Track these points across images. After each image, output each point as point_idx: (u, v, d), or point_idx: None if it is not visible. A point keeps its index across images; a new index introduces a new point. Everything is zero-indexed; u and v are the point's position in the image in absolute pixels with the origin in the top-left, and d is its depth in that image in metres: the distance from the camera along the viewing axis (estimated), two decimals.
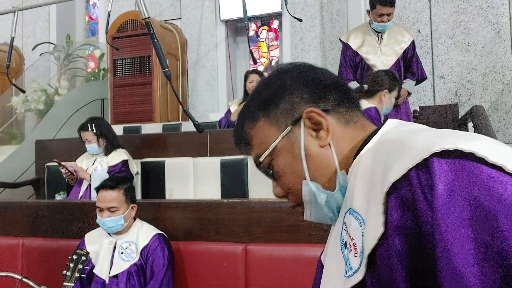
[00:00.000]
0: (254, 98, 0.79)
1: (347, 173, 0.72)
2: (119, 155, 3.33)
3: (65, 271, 1.93)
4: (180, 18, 5.85)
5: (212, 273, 2.17)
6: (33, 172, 4.31)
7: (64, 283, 1.89)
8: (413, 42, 3.83)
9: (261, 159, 0.75)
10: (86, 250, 2.05)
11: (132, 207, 2.17)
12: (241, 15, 4.50)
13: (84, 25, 6.93)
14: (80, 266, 1.93)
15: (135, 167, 3.45)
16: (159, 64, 2.64)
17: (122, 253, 2.12)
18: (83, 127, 3.31)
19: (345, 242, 0.67)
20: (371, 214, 0.60)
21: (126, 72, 5.26)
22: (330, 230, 0.80)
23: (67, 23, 6.71)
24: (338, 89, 0.77)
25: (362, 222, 0.62)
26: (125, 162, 3.33)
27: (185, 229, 2.31)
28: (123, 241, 2.15)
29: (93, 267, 2.13)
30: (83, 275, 1.97)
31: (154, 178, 3.62)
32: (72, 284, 1.90)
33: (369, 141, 0.71)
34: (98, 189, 2.16)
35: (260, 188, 3.33)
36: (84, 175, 3.29)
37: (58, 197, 3.69)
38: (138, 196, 3.54)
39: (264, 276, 2.09)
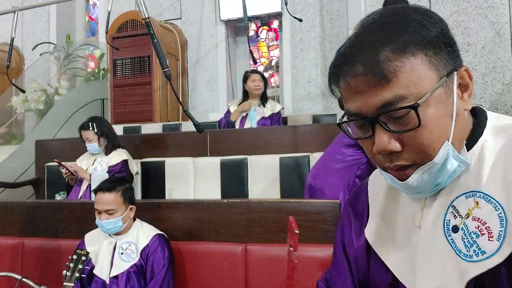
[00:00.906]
0: (414, 28, 0.66)
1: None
2: (119, 155, 3.33)
3: (65, 271, 1.93)
4: (180, 18, 5.85)
5: (212, 273, 2.17)
6: (33, 172, 4.30)
7: (64, 283, 1.89)
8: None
9: (421, 100, 0.64)
10: (86, 250, 2.05)
11: (130, 208, 2.17)
12: (241, 15, 4.50)
13: (84, 25, 6.92)
14: (80, 266, 1.93)
15: (135, 167, 3.45)
16: (159, 64, 2.64)
17: (122, 253, 2.12)
18: (84, 126, 3.31)
19: (455, 226, 0.67)
20: None
21: (126, 72, 5.26)
22: (379, 210, 0.81)
23: (67, 23, 6.71)
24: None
25: (499, 206, 0.64)
26: (125, 162, 3.33)
27: (185, 229, 2.31)
28: (123, 241, 2.15)
29: (93, 267, 2.13)
30: (83, 275, 1.97)
31: (154, 178, 3.62)
32: (72, 284, 1.89)
33: (482, 125, 0.72)
34: (95, 191, 2.16)
35: (260, 188, 3.33)
36: (84, 175, 3.29)
37: (58, 197, 3.69)
38: (138, 196, 3.54)
39: (264, 276, 2.08)
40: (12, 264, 2.50)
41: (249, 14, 4.57)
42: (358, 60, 0.66)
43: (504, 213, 0.63)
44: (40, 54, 6.33)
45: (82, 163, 3.41)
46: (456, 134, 0.68)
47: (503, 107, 4.49)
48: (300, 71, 5.31)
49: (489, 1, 4.53)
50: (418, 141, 0.66)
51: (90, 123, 3.29)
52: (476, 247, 0.64)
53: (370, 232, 0.82)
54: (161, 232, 2.20)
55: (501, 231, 0.63)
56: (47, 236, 2.56)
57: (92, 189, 3.13)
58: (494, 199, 0.64)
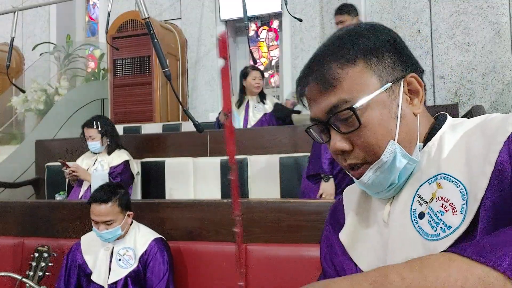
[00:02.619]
0: (355, 41, 0.75)
1: (422, 147, 0.75)
2: (120, 156, 3.33)
3: (27, 271, 1.84)
4: (180, 18, 5.85)
5: (212, 273, 2.17)
6: (33, 172, 4.31)
7: (27, 285, 1.80)
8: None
9: (358, 104, 0.70)
10: (47, 246, 1.95)
11: (128, 215, 2.11)
12: (241, 15, 4.50)
13: (84, 25, 6.93)
14: (42, 264, 1.85)
15: (136, 167, 3.45)
16: (159, 64, 2.64)
17: (119, 259, 2.08)
18: (88, 124, 3.30)
19: (421, 212, 0.70)
20: (476, 174, 0.66)
21: (126, 72, 5.26)
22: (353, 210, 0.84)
23: (67, 23, 6.71)
24: (419, 68, 0.78)
25: (459, 183, 0.67)
26: (126, 163, 3.33)
27: (185, 229, 2.31)
28: (120, 247, 2.10)
29: (90, 273, 2.09)
30: (46, 273, 1.88)
31: (154, 178, 3.62)
32: (35, 285, 1.82)
33: (440, 124, 0.77)
34: (89, 202, 2.08)
35: (260, 188, 3.33)
36: (86, 177, 3.27)
37: (58, 197, 3.69)
38: (138, 196, 3.54)
39: (264, 276, 2.09)
40: (12, 264, 2.50)
41: (249, 14, 4.56)
42: (310, 72, 0.76)
43: (464, 188, 0.67)
44: (40, 54, 6.33)
45: (83, 163, 3.41)
46: (403, 135, 0.73)
47: (503, 107, 4.49)
48: (299, 69, 5.31)
49: (489, 1, 4.53)
50: (364, 140, 0.72)
51: (94, 121, 3.29)
52: (443, 224, 0.67)
53: (344, 237, 0.85)
54: (159, 236, 2.16)
55: (463, 204, 0.66)
56: (47, 236, 2.56)
57: (92, 188, 3.14)
58: (455, 178, 0.68)
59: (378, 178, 0.73)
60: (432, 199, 0.70)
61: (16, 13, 3.86)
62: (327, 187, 2.60)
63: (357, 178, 0.76)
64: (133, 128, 4.89)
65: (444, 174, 0.70)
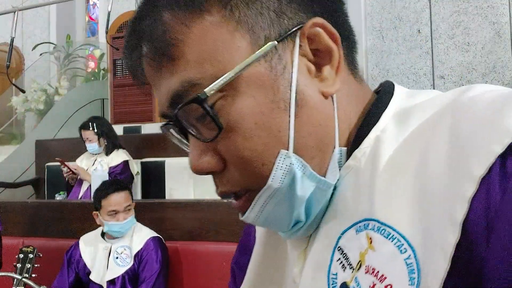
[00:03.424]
0: None
1: (347, 156, 0.43)
2: (119, 156, 3.33)
3: (12, 273, 1.77)
4: None
5: (212, 273, 2.17)
6: (33, 172, 4.31)
7: (32, 284, 1.75)
8: None
9: (210, 90, 0.38)
10: (32, 246, 1.89)
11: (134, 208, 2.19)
12: None
13: (84, 25, 6.93)
14: (28, 266, 1.80)
15: (135, 167, 3.45)
16: None
17: (117, 258, 2.10)
18: (84, 126, 3.31)
19: (344, 284, 0.40)
20: (435, 235, 0.35)
21: (126, 72, 5.26)
22: (261, 253, 0.53)
23: (67, 23, 6.71)
24: (343, 11, 0.45)
25: (405, 244, 0.36)
26: (126, 163, 3.33)
27: (185, 229, 2.32)
28: (118, 245, 2.13)
29: (89, 272, 2.11)
30: (33, 275, 1.84)
31: (154, 178, 3.62)
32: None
33: (379, 112, 0.44)
34: (106, 195, 2.12)
35: None
36: (86, 177, 3.28)
37: (58, 197, 3.69)
38: (138, 196, 3.54)
39: None
40: (12, 264, 2.50)
41: None
42: (136, 36, 0.44)
43: (414, 256, 0.35)
44: (40, 54, 6.33)
45: (82, 163, 3.41)
46: (304, 138, 0.41)
47: None
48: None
49: (489, 1, 4.53)
50: (234, 154, 0.41)
51: (90, 123, 3.29)
52: None
53: None
54: (156, 235, 2.18)
55: (412, 283, 0.35)
56: (47, 236, 2.56)
57: (92, 188, 3.15)
58: (398, 232, 0.37)
59: (272, 214, 0.42)
60: (359, 265, 0.39)
61: (16, 13, 3.86)
62: None
63: (242, 213, 0.46)
64: (133, 128, 4.89)
65: (377, 221, 0.38)
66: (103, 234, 2.20)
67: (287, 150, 0.40)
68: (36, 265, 1.83)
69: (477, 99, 0.38)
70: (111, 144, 3.34)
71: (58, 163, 3.36)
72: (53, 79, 6.17)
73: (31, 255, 1.83)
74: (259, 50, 0.39)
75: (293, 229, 0.44)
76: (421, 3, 4.81)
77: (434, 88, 4.72)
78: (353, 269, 0.39)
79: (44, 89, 5.69)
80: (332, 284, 0.41)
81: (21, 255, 1.83)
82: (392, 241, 0.37)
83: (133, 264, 2.08)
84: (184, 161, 2.98)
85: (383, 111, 0.43)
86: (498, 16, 4.50)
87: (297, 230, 0.44)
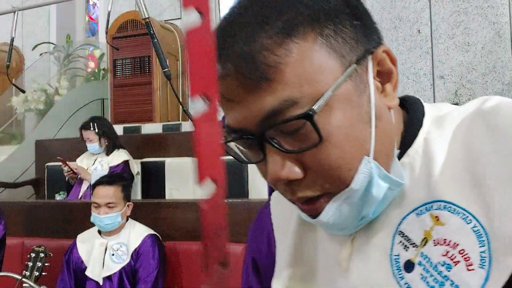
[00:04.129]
0: (297, 1, 0.46)
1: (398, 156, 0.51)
2: (120, 156, 3.33)
3: (24, 271, 1.86)
4: (180, 18, 5.85)
5: None
6: (33, 172, 4.31)
7: (24, 285, 1.82)
8: None
9: (317, 107, 0.43)
10: (43, 246, 1.99)
11: (128, 205, 2.16)
12: None
13: (84, 25, 6.93)
14: (39, 264, 1.87)
15: (135, 167, 3.45)
16: (159, 64, 2.64)
17: (113, 254, 2.10)
18: (85, 126, 3.31)
19: (408, 261, 0.47)
20: (498, 202, 0.43)
21: (126, 72, 5.26)
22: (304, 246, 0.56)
23: (67, 23, 6.71)
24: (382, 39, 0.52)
25: (470, 216, 0.44)
26: (126, 163, 3.33)
27: (185, 229, 2.31)
28: (114, 242, 2.12)
29: (85, 268, 2.11)
30: (43, 273, 1.90)
31: (154, 178, 3.62)
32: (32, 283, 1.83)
33: (417, 118, 0.52)
34: (95, 185, 2.14)
35: (260, 188, 3.33)
36: (86, 176, 3.28)
37: (58, 197, 3.69)
38: (138, 196, 3.54)
39: None
40: (12, 264, 2.50)
41: None
42: (225, 54, 0.45)
43: (480, 224, 0.44)
44: (40, 54, 6.33)
45: (82, 163, 3.41)
46: (380, 145, 0.47)
47: None
48: None
49: (489, 1, 4.53)
50: (324, 163, 0.45)
51: (91, 123, 3.29)
52: (451, 285, 0.44)
53: (280, 285, 0.57)
54: (153, 233, 2.18)
55: (483, 251, 0.43)
56: (47, 236, 2.56)
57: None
58: (462, 208, 0.45)
59: (344, 214, 0.48)
60: (425, 241, 0.46)
61: (16, 13, 3.86)
62: None
63: (313, 216, 0.49)
64: (133, 128, 4.89)
65: (442, 201, 0.46)
66: (100, 231, 2.20)
67: (369, 155, 0.47)
68: (46, 264, 1.92)
69: (500, 104, 0.48)
70: (111, 144, 3.34)
71: (58, 163, 3.36)
72: (53, 79, 6.17)
73: (42, 254, 1.90)
74: (346, 72, 0.46)
75: (358, 225, 0.50)
76: (421, 3, 4.81)
77: (434, 88, 4.72)
78: (417, 246, 0.47)
79: (44, 89, 5.69)
80: (396, 264, 0.48)
81: (33, 254, 1.91)
82: (458, 215, 0.45)
83: (130, 261, 2.08)
84: (184, 161, 3.01)
85: (422, 118, 0.52)
86: (498, 16, 4.50)
87: (358, 225, 0.50)
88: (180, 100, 4.05)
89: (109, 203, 2.08)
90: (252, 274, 0.63)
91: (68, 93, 5.59)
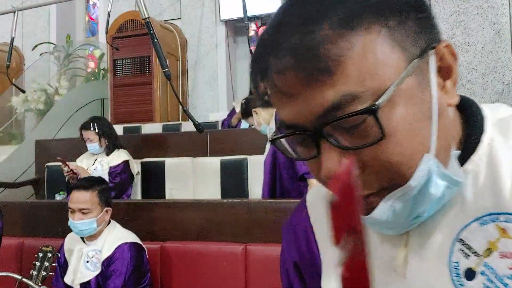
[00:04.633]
0: None
1: (460, 158, 0.50)
2: (120, 156, 3.33)
3: (32, 271, 1.86)
4: (180, 18, 5.85)
5: (212, 273, 2.17)
6: (33, 172, 4.30)
7: (31, 283, 1.83)
8: None
9: (381, 101, 0.42)
10: (51, 246, 1.96)
11: (106, 211, 2.06)
12: (241, 15, 4.50)
13: (84, 25, 6.93)
14: (46, 264, 1.86)
15: (135, 167, 3.45)
16: (159, 64, 2.64)
17: (87, 261, 2.02)
18: (85, 126, 3.30)
19: (469, 269, 0.46)
20: None
21: (126, 72, 5.26)
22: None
23: (67, 23, 6.71)
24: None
25: None
26: (126, 163, 3.33)
27: (185, 229, 2.31)
28: (90, 249, 2.05)
29: (64, 274, 2.06)
30: (51, 273, 1.89)
31: (154, 178, 3.62)
32: (40, 284, 1.83)
33: (477, 122, 0.51)
34: (72, 189, 2.06)
35: (260, 188, 3.33)
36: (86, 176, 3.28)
37: (58, 197, 3.69)
38: (138, 196, 3.54)
39: (264, 276, 2.08)
40: (12, 264, 2.50)
41: (249, 14, 4.57)
42: (283, 47, 0.44)
43: None
44: (40, 54, 6.33)
45: (82, 163, 3.41)
46: (440, 143, 0.46)
47: None
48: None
49: (489, 1, 4.53)
50: (384, 159, 0.44)
51: (91, 123, 3.29)
52: None
53: (333, 285, 0.55)
54: (130, 240, 2.06)
55: None
56: (47, 236, 2.56)
57: None
58: None
59: (397, 211, 0.46)
60: (489, 252, 0.46)
61: (16, 13, 3.86)
62: None
63: (365, 213, 0.47)
64: (133, 128, 4.89)
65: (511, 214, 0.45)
66: None
67: (429, 153, 0.45)
68: (54, 264, 1.92)
69: None
70: (111, 144, 3.34)
71: (58, 163, 3.35)
72: (53, 79, 6.17)
73: (49, 254, 1.89)
74: (410, 66, 0.44)
75: (410, 224, 0.48)
76: None
77: None
78: (479, 256, 0.46)
79: (44, 89, 5.69)
80: (455, 271, 0.47)
81: (41, 254, 1.90)
82: None
83: (102, 270, 1.99)
84: (184, 161, 3.01)
85: (482, 121, 0.51)
86: (498, 16, 4.50)
87: (410, 225, 0.48)
88: (180, 100, 4.06)
89: (83, 209, 1.99)
90: (296, 279, 0.61)
91: (68, 93, 5.59)
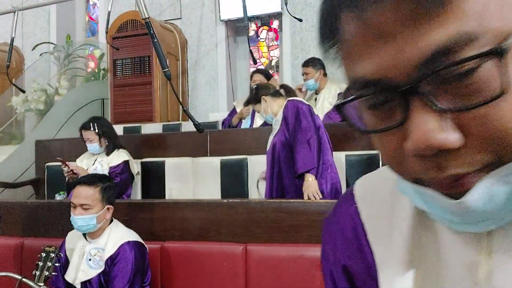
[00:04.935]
0: None
1: None
2: (120, 156, 3.33)
3: (34, 271, 1.86)
4: (180, 18, 5.86)
5: (212, 273, 2.17)
6: (33, 172, 4.31)
7: (31, 284, 1.83)
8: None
9: (507, 45, 0.32)
10: (54, 246, 1.96)
11: (108, 208, 2.06)
12: (241, 15, 4.50)
13: (84, 25, 6.93)
14: (49, 264, 1.86)
15: (135, 167, 3.45)
16: (159, 64, 2.64)
17: (90, 259, 2.02)
18: (84, 126, 3.30)
19: None
20: None
21: (126, 72, 5.26)
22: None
23: (67, 23, 6.71)
24: None
25: None
26: (126, 163, 3.33)
27: (185, 229, 2.31)
28: (92, 247, 2.04)
29: (65, 271, 2.05)
30: (53, 273, 1.89)
31: (154, 178, 3.62)
32: (42, 284, 1.83)
33: None
34: (74, 185, 2.07)
35: (261, 188, 3.33)
36: None
37: (58, 197, 3.69)
38: (138, 196, 3.54)
39: (264, 276, 2.08)
40: (12, 264, 2.50)
41: (249, 14, 4.57)
42: None
43: None
44: (40, 54, 6.33)
45: (82, 163, 3.41)
46: None
47: None
48: (300, 71, 5.32)
49: None
50: (497, 125, 0.33)
51: (91, 123, 3.29)
52: None
53: None
54: (133, 239, 2.06)
55: None
56: (47, 236, 2.56)
57: None
58: None
59: (494, 196, 0.35)
60: None
61: (16, 13, 3.86)
62: (313, 184, 2.51)
63: (455, 196, 0.36)
64: (133, 128, 4.89)
65: None
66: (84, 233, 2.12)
67: None
68: (56, 264, 1.91)
69: None
70: (111, 144, 3.34)
71: (59, 163, 3.36)
72: (53, 79, 6.17)
73: (52, 254, 1.89)
74: None
75: (503, 216, 0.37)
76: None
77: None
78: None
79: (44, 89, 5.69)
80: None
81: (43, 254, 1.90)
82: None
83: (105, 268, 1.99)
84: (184, 161, 3.00)
85: None
86: None
87: (500, 220, 0.37)
88: (180, 100, 4.06)
89: (84, 204, 1.98)
90: (345, 282, 0.52)
91: (68, 93, 5.59)
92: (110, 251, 2.01)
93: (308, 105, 2.67)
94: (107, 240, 2.04)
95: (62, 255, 2.05)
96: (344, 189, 2.85)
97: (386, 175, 0.47)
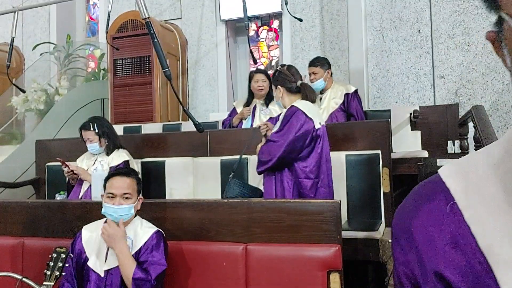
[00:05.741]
0: None
1: None
2: (120, 156, 3.32)
3: (45, 270, 1.91)
4: (180, 18, 5.86)
5: (212, 273, 2.17)
6: (33, 172, 4.30)
7: (44, 283, 1.88)
8: (352, 94, 3.87)
9: None
10: (65, 247, 2.02)
11: (139, 199, 2.17)
12: (241, 15, 4.50)
13: (84, 25, 6.93)
14: (60, 264, 1.91)
15: (136, 167, 3.44)
16: (159, 64, 2.64)
17: None
18: (84, 127, 3.31)
19: None
20: None
21: (126, 72, 5.26)
22: None
23: (67, 23, 6.72)
24: None
25: None
26: (126, 163, 3.32)
27: (185, 229, 2.31)
28: None
29: (85, 259, 2.09)
30: (63, 273, 1.95)
31: (154, 178, 3.62)
32: (52, 283, 1.88)
33: None
34: (110, 177, 2.14)
35: (261, 188, 3.33)
36: (86, 177, 3.27)
37: (58, 197, 3.68)
38: None
39: (264, 276, 2.08)
40: (12, 264, 2.50)
41: (249, 14, 4.57)
42: None
43: None
44: (40, 54, 6.33)
45: (83, 163, 3.41)
46: None
47: (503, 107, 4.49)
48: (300, 71, 5.32)
49: None
50: None
51: (90, 123, 3.29)
52: None
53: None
54: (158, 229, 2.17)
55: None
56: (47, 236, 2.56)
57: (93, 188, 3.14)
58: None
59: None
60: None
61: (16, 13, 3.86)
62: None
63: None
64: (133, 128, 4.89)
65: None
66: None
67: None
68: (66, 265, 1.97)
69: None
70: (111, 144, 3.34)
71: (59, 163, 3.36)
72: (53, 79, 6.17)
73: (63, 255, 1.95)
74: None
75: None
76: (421, 3, 4.81)
77: (434, 88, 4.72)
78: None
79: (44, 89, 5.69)
80: None
81: (55, 255, 1.95)
82: None
83: (134, 255, 2.05)
84: (184, 161, 2.99)
85: None
86: None
87: None
88: (180, 100, 4.06)
89: (126, 193, 2.07)
90: None
91: (68, 93, 5.59)
92: (142, 239, 2.08)
93: (310, 119, 2.64)
94: (136, 230, 2.11)
95: (72, 255, 2.09)
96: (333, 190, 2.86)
97: (480, 160, 0.39)
